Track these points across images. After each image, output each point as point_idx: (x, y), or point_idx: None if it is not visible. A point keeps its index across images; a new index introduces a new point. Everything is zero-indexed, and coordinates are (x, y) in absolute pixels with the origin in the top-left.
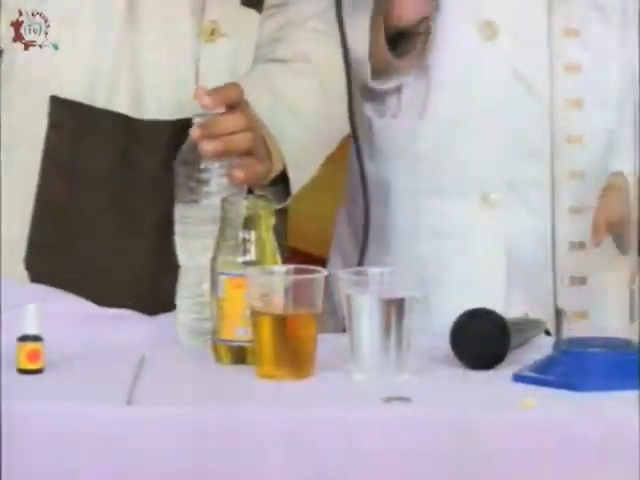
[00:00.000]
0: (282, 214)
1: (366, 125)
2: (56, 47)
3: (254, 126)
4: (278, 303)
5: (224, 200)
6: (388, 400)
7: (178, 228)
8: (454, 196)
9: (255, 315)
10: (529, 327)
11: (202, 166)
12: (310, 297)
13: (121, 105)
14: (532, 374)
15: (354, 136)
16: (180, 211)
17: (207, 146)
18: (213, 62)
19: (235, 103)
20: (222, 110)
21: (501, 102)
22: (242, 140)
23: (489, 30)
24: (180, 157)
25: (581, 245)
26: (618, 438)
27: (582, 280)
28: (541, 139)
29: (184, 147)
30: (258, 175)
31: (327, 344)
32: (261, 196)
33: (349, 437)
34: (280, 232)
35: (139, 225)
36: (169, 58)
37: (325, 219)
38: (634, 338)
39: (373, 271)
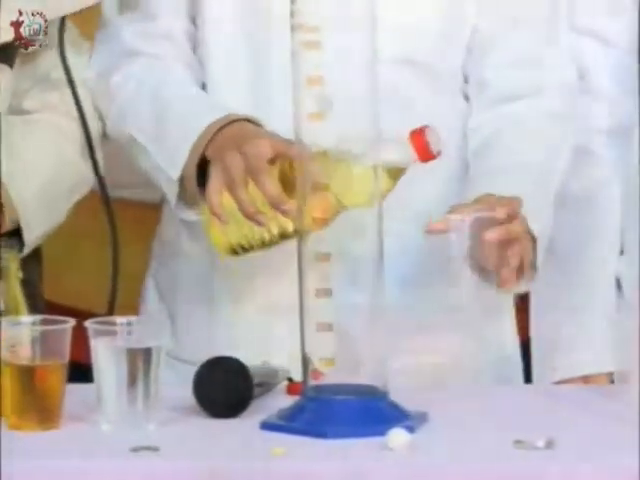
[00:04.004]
0: (37, 265)
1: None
2: None
3: None
4: (25, 354)
5: None
6: (136, 450)
7: None
8: None
9: (2, 366)
10: (271, 375)
11: None
12: (58, 347)
13: None
14: (280, 422)
15: (100, 182)
16: None
17: None
18: None
19: None
20: None
21: None
22: None
23: None
24: None
25: (327, 292)
26: None
27: (329, 326)
28: None
29: None
30: None
31: (75, 394)
32: (9, 247)
33: None
34: (35, 283)
35: None
36: None
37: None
38: (382, 384)
39: (120, 320)
